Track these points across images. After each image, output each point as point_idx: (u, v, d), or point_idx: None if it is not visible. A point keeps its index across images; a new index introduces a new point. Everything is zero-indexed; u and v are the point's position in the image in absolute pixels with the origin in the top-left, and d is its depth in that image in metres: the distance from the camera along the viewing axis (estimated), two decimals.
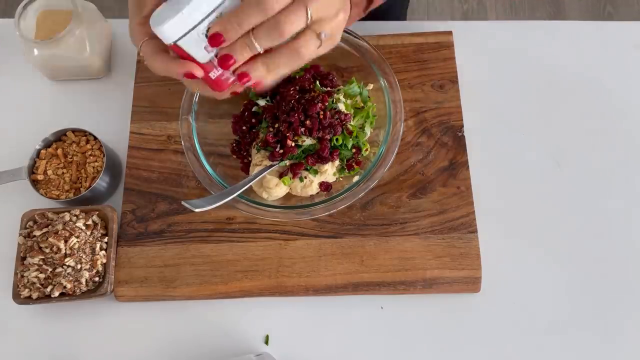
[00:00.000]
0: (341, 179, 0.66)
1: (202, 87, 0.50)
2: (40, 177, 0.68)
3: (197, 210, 0.56)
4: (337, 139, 0.63)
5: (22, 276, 0.63)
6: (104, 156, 0.68)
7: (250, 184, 0.62)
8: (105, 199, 0.70)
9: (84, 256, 0.63)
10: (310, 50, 0.47)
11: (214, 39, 0.45)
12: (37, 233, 0.63)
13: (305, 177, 0.64)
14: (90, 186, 0.67)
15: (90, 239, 0.64)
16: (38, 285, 0.62)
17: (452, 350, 0.63)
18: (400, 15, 0.96)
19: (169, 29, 0.45)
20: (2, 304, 0.66)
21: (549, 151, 0.71)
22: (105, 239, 0.65)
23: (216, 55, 0.47)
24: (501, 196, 0.69)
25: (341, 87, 0.67)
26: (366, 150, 0.66)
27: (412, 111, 0.71)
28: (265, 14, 0.43)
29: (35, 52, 0.70)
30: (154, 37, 0.47)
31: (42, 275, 0.62)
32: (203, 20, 0.45)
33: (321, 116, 0.62)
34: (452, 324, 0.64)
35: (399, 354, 0.63)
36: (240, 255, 0.66)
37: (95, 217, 0.66)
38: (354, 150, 0.65)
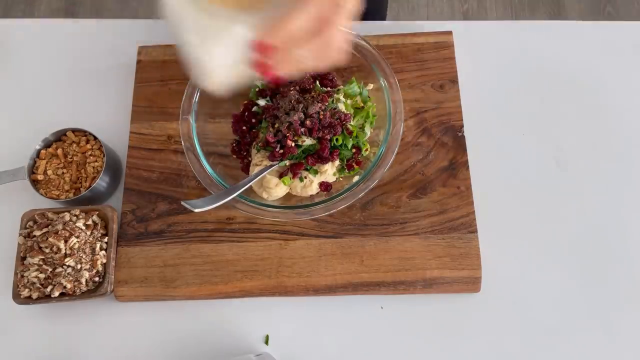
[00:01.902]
0: (341, 179, 0.66)
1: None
2: (40, 177, 0.68)
3: (196, 210, 0.56)
4: (337, 139, 0.63)
5: (22, 276, 0.63)
6: (104, 156, 0.68)
7: (250, 184, 0.62)
8: (105, 199, 0.70)
9: (84, 256, 0.63)
10: None
11: (257, 47, 0.45)
12: (37, 233, 0.63)
13: (305, 177, 0.64)
14: (90, 186, 0.67)
15: (90, 239, 0.64)
16: (38, 285, 0.62)
17: (452, 350, 0.63)
18: (380, 16, 0.95)
19: None
20: (2, 304, 0.66)
21: (549, 151, 0.71)
22: (105, 239, 0.65)
23: None
24: (501, 196, 0.69)
25: (341, 87, 0.67)
26: (366, 150, 0.66)
27: (412, 111, 0.71)
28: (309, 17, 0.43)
29: None
30: None
31: (42, 275, 0.62)
32: None
33: (321, 116, 0.62)
34: (452, 324, 0.64)
35: (399, 354, 0.63)
36: (240, 255, 0.66)
37: (95, 217, 0.66)
38: (354, 150, 0.65)
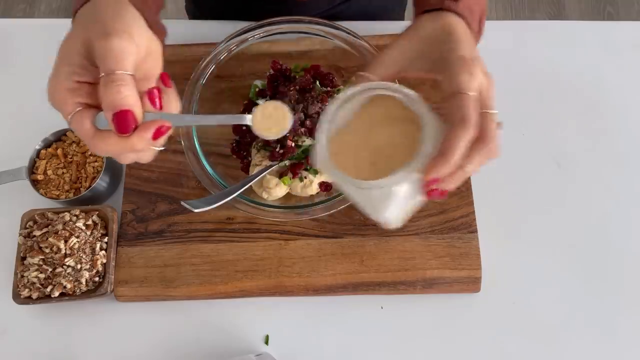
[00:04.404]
0: None
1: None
2: (40, 177, 0.68)
3: (196, 210, 0.56)
4: None
5: (22, 276, 0.63)
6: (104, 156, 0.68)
7: (250, 184, 0.62)
8: (105, 199, 0.70)
9: (84, 256, 0.63)
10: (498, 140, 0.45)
11: (429, 184, 0.43)
12: (37, 233, 0.63)
13: (305, 177, 0.64)
14: (90, 186, 0.67)
15: (90, 239, 0.64)
16: (38, 285, 0.62)
17: (452, 350, 0.63)
18: (398, 16, 0.96)
19: None
20: (2, 304, 0.65)
21: (549, 151, 0.71)
22: (105, 239, 0.65)
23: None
24: (501, 196, 0.69)
25: (341, 87, 0.67)
26: None
27: None
28: (470, 139, 0.42)
29: None
30: (88, 107, 0.41)
31: (42, 275, 0.62)
32: None
33: None
34: (452, 324, 0.64)
35: (399, 354, 0.63)
36: (240, 255, 0.66)
37: (95, 217, 0.66)
38: None
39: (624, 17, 1.74)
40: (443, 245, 0.65)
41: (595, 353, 0.63)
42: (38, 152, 0.69)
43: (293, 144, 0.62)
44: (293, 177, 0.64)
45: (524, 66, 0.75)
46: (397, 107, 0.47)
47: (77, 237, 0.63)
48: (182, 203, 0.57)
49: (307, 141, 0.62)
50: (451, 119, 0.43)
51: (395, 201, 0.45)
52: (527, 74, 0.75)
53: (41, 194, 0.67)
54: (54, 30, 0.81)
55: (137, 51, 0.41)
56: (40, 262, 0.62)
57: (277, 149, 0.62)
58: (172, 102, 0.44)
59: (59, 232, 0.62)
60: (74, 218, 0.65)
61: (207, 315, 0.65)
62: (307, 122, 0.62)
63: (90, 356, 0.64)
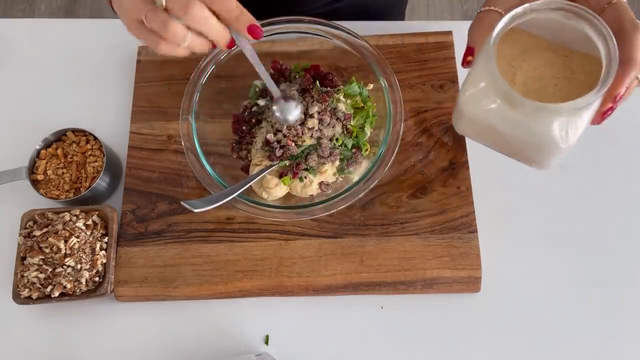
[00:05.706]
0: (341, 179, 0.66)
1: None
2: (40, 177, 0.68)
3: (196, 210, 0.56)
4: (337, 139, 0.63)
5: (22, 276, 0.63)
6: (104, 156, 0.68)
7: (250, 183, 0.62)
8: (105, 199, 0.70)
9: (84, 256, 0.63)
10: None
11: (616, 100, 0.45)
12: (37, 233, 0.63)
13: (305, 177, 0.64)
14: (90, 186, 0.67)
15: (90, 239, 0.64)
16: (38, 285, 0.62)
17: (452, 350, 0.63)
18: (399, 15, 0.96)
19: None
20: (2, 304, 0.66)
21: None
22: (105, 239, 0.65)
23: None
24: (501, 196, 0.69)
25: (341, 87, 0.67)
26: (366, 150, 0.66)
27: (412, 111, 0.71)
28: None
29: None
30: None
31: (42, 275, 0.62)
32: None
33: (321, 116, 0.62)
34: (452, 324, 0.64)
35: (399, 354, 0.63)
36: (240, 255, 0.66)
37: (95, 217, 0.66)
38: (354, 150, 0.65)
39: None
40: (443, 245, 0.65)
41: (595, 352, 0.63)
42: (38, 152, 0.69)
43: (293, 144, 0.62)
44: (293, 177, 0.64)
45: None
46: (526, 38, 0.45)
47: (77, 237, 0.63)
48: (182, 203, 0.56)
49: (308, 141, 0.62)
50: (617, 27, 0.43)
51: (582, 126, 0.43)
52: None
53: (41, 194, 0.67)
54: (54, 30, 0.82)
55: None
56: (40, 262, 0.62)
57: (277, 149, 0.62)
58: None
59: (59, 232, 0.62)
60: (74, 218, 0.65)
61: (207, 315, 0.65)
62: (307, 122, 0.62)
63: (90, 356, 0.64)
